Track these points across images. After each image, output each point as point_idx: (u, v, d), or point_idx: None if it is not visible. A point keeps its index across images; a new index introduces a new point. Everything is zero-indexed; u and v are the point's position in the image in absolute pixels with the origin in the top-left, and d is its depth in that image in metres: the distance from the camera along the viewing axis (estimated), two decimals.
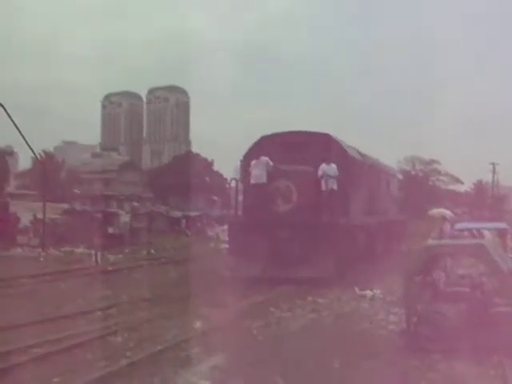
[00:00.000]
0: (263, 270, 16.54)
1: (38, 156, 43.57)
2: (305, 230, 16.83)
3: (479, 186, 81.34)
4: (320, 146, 18.35)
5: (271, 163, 18.00)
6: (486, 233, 16.31)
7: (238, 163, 19.06)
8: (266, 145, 18.76)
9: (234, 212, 19.53)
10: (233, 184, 19.52)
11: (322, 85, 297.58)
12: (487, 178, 75.08)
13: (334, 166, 17.82)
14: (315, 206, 17.40)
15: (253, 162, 18.14)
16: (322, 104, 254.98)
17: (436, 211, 23.02)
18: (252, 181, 18.03)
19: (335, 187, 17.70)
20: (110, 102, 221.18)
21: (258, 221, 17.56)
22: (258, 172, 17.88)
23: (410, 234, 29.22)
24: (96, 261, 23.19)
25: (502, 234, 15.74)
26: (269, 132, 19.64)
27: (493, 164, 71.07)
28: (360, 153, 21.74)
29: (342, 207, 17.86)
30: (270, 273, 16.42)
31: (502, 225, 17.37)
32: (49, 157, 66.64)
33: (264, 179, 17.80)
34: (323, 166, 17.77)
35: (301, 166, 17.86)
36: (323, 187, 17.66)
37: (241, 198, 19.37)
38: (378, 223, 22.33)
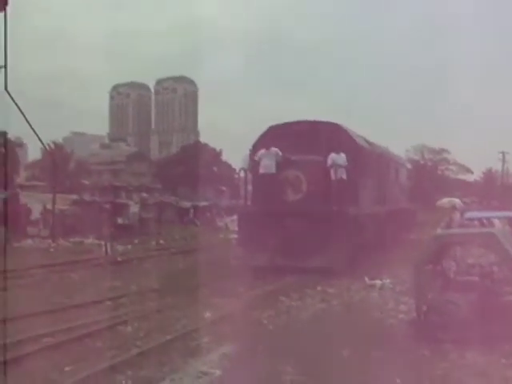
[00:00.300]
0: (273, 259, 16.58)
1: (48, 147, 43.61)
2: (314, 220, 16.80)
3: (489, 175, 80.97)
4: (329, 135, 18.24)
5: (280, 153, 17.97)
6: (496, 222, 16.24)
7: (247, 153, 18.96)
8: (274, 135, 18.66)
9: (244, 202, 19.45)
10: (242, 174, 19.37)
11: (333, 73, 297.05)
12: (497, 166, 74.70)
13: (343, 155, 17.69)
14: (324, 195, 17.30)
15: (262, 152, 18.12)
16: (333, 93, 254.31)
17: (445, 200, 22.92)
18: (261, 171, 18.03)
19: (344, 177, 17.62)
20: (118, 92, 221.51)
21: (268, 211, 17.54)
22: (267, 162, 17.89)
23: (420, 223, 29.20)
24: (106, 251, 23.29)
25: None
26: (279, 121, 19.53)
27: (502, 153, 70.67)
28: (368, 142, 21.62)
29: (351, 196, 17.80)
30: (279, 263, 16.44)
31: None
32: (58, 148, 66.81)
33: (273, 169, 17.83)
34: (332, 156, 17.67)
35: (310, 155, 17.79)
36: (332, 177, 17.55)
37: (250, 188, 19.30)
38: (387, 212, 22.20)
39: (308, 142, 18.02)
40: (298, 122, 19.29)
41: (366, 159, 19.72)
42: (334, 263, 16.08)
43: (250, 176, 19.14)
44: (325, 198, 17.30)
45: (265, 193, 18.07)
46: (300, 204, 17.36)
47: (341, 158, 17.76)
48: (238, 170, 21.54)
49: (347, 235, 16.92)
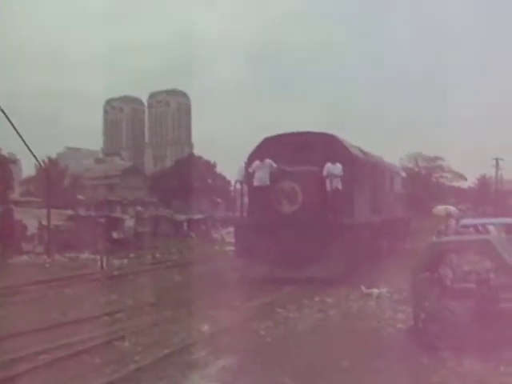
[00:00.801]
0: (270, 270, 16.69)
1: (42, 163, 43.56)
2: (310, 230, 16.86)
3: (483, 182, 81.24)
4: (324, 146, 18.42)
5: (274, 165, 18.01)
6: (491, 228, 16.27)
7: (242, 165, 19.02)
8: (269, 146, 18.81)
9: (240, 214, 19.50)
10: (238, 186, 19.53)
11: (328, 84, 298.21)
12: (491, 173, 74.95)
13: (339, 165, 17.78)
14: (320, 206, 17.44)
15: (256, 164, 18.16)
16: (328, 103, 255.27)
17: (441, 208, 22.97)
18: (255, 183, 18.12)
19: (340, 187, 17.70)
20: (111, 106, 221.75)
21: (264, 222, 17.66)
22: (262, 174, 17.97)
23: (415, 232, 29.21)
24: (101, 266, 23.20)
25: (507, 229, 15.70)
26: (273, 133, 19.63)
27: (496, 159, 70.93)
28: (363, 151, 21.76)
29: (347, 207, 17.93)
30: (276, 273, 16.52)
31: (508, 220, 17.35)
32: (52, 163, 66.73)
33: (267, 181, 17.89)
34: (328, 166, 17.76)
35: (305, 166, 17.88)
36: (328, 187, 17.64)
37: (246, 199, 19.41)
38: (383, 221, 22.33)
39: (303, 153, 18.16)
40: (293, 134, 19.46)
41: (361, 169, 19.79)
42: (331, 273, 16.16)
43: (245, 188, 19.19)
44: (321, 208, 17.40)
45: (261, 204, 18.12)
46: (296, 215, 17.36)
47: (336, 168, 17.79)
48: (233, 182, 21.49)
49: (344, 245, 17.00)
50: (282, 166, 18.08)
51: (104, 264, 23.54)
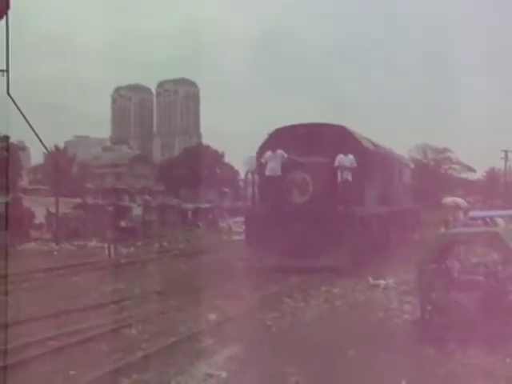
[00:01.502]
0: (280, 260, 16.77)
1: (50, 151, 43.68)
2: (321, 221, 16.93)
3: (491, 174, 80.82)
4: (335, 137, 18.52)
5: (286, 155, 18.19)
6: (500, 220, 16.24)
7: (251, 155, 19.16)
8: (280, 137, 18.97)
9: (251, 204, 19.53)
10: (249, 176, 19.52)
11: (335, 74, 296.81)
12: (500, 165, 74.52)
13: (351, 156, 18.00)
14: (331, 196, 17.56)
15: (268, 155, 18.32)
16: (335, 94, 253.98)
17: (449, 200, 22.92)
18: (267, 173, 18.23)
19: (350, 178, 17.86)
20: (120, 95, 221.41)
21: (275, 212, 17.76)
22: (273, 164, 18.10)
23: (423, 223, 29.18)
24: (109, 254, 23.30)
25: None
26: (281, 123, 19.78)
27: (505, 151, 70.50)
28: (373, 143, 21.84)
29: (357, 198, 18.03)
30: (286, 263, 16.59)
31: None
32: (60, 151, 66.91)
33: (279, 172, 18.04)
34: (340, 157, 17.96)
35: (316, 157, 18.04)
36: (339, 178, 17.81)
37: (257, 189, 19.48)
38: (392, 213, 22.37)
39: (314, 144, 18.27)
40: (304, 125, 19.53)
41: (372, 161, 19.83)
42: (340, 263, 16.24)
43: (256, 178, 19.31)
44: (331, 199, 17.54)
45: (272, 194, 18.32)
46: (306, 205, 17.54)
47: (348, 159, 18.03)
48: (244, 172, 21.71)
49: (353, 235, 17.17)
50: (293, 156, 18.21)
51: (112, 252, 23.65)
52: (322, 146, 18.15)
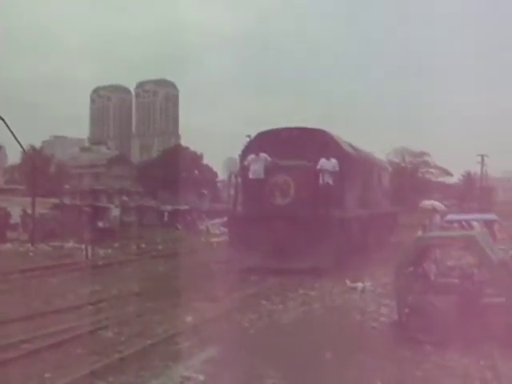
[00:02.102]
0: (262, 260, 16.97)
1: (27, 150, 43.24)
2: (302, 223, 17.27)
3: (468, 178, 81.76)
4: (316, 141, 18.90)
5: (269, 159, 18.41)
6: (476, 224, 16.40)
7: (230, 157, 19.37)
8: (263, 140, 19.38)
9: (234, 206, 19.74)
10: (232, 178, 19.86)
11: (316, 77, 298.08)
12: (476, 169, 75.46)
13: (333, 160, 18.27)
14: (312, 199, 17.79)
15: (251, 158, 18.55)
16: (315, 96, 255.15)
17: (428, 203, 23.20)
18: (250, 176, 18.49)
19: (332, 182, 18.17)
20: (98, 95, 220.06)
21: (258, 214, 18.13)
22: (256, 167, 18.35)
23: (401, 226, 29.39)
24: (86, 255, 23.09)
25: (489, 225, 15.83)
26: (261, 125, 20.08)
27: (481, 156, 71.41)
28: (354, 147, 22.15)
29: (337, 201, 18.34)
30: (268, 264, 16.81)
31: (490, 216, 17.48)
32: (37, 151, 66.25)
33: (262, 175, 18.29)
34: (322, 161, 18.23)
35: (298, 161, 18.37)
36: (320, 181, 18.12)
37: (240, 191, 19.63)
38: (371, 215, 22.72)
39: (296, 147, 18.54)
40: (287, 129, 19.95)
41: (352, 165, 20.11)
42: (320, 264, 16.54)
43: (239, 180, 19.51)
44: (312, 202, 17.75)
45: (254, 196, 18.58)
46: (289, 208, 17.85)
47: (330, 163, 18.27)
48: (223, 174, 22.11)
49: (334, 238, 17.45)
50: (275, 160, 18.46)
51: (89, 253, 23.44)
52: (303, 150, 18.46)
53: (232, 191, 19.89)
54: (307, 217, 17.38)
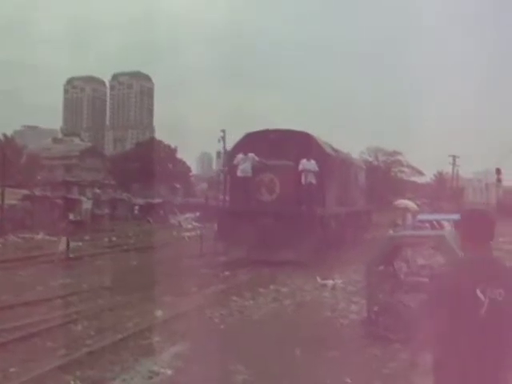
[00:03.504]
0: (248, 252, 18.43)
1: None
2: (286, 219, 18.50)
3: (439, 178, 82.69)
4: (300, 143, 20.14)
5: (257, 158, 19.59)
6: (446, 224, 16.60)
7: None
8: (250, 141, 20.48)
9: (222, 201, 21.36)
10: (221, 176, 21.58)
11: (296, 71, 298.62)
12: (447, 169, 76.32)
13: (313, 161, 19.47)
14: (295, 196, 19.28)
15: (240, 157, 19.65)
16: (292, 92, 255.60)
17: (399, 202, 23.56)
18: (239, 174, 19.60)
19: (313, 180, 19.41)
20: (72, 86, 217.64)
21: (245, 209, 19.35)
22: (245, 166, 19.48)
23: (374, 224, 29.72)
24: (67, 248, 22.70)
25: (457, 225, 16.02)
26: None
27: (453, 156, 72.25)
28: (333, 148, 23.42)
29: (318, 199, 19.66)
30: (254, 255, 18.15)
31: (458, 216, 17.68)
32: (8, 141, 65.22)
33: (249, 173, 19.46)
34: (304, 162, 19.45)
35: (283, 160, 19.77)
36: (303, 180, 19.39)
37: (228, 188, 21.20)
38: (348, 213, 23.87)
39: (281, 148, 19.87)
40: (273, 131, 21.27)
41: (332, 165, 21.52)
42: (302, 257, 17.55)
43: (227, 177, 21.25)
44: (296, 199, 19.29)
45: (242, 193, 19.86)
46: (274, 204, 19.25)
47: (311, 164, 19.53)
48: (217, 172, 23.79)
49: (314, 233, 18.65)
50: (262, 159, 19.72)
51: (64, 246, 23.11)
52: (288, 151, 19.76)
53: (222, 188, 21.19)
54: (290, 213, 18.59)
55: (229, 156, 21.29)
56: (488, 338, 3.17)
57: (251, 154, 19.44)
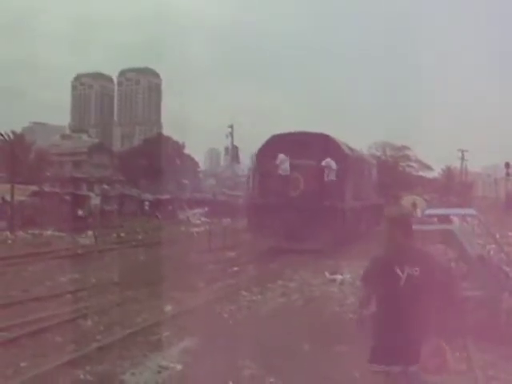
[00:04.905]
0: (276, 242, 20.45)
1: (6, 137, 42.72)
2: (310, 212, 20.63)
3: (448, 173, 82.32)
4: (320, 144, 22.54)
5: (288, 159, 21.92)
6: (455, 218, 16.53)
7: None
8: (277, 142, 22.90)
9: (252, 197, 23.94)
10: (251, 174, 24.30)
11: (300, 68, 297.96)
12: (456, 164, 75.99)
13: (333, 160, 21.87)
14: (318, 192, 21.49)
15: (282, 157, 21.93)
16: (299, 88, 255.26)
17: (408, 199, 23.94)
18: (281, 172, 21.89)
19: (333, 178, 21.81)
20: (80, 83, 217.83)
21: (272, 204, 21.44)
22: (285, 166, 21.89)
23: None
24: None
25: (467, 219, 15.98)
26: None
27: (462, 151, 71.96)
28: (351, 148, 25.94)
29: (338, 194, 21.89)
30: (281, 245, 20.15)
31: (469, 211, 17.61)
32: (17, 138, 65.41)
33: (288, 171, 21.89)
34: (327, 161, 21.88)
35: (306, 160, 21.98)
36: (325, 178, 21.75)
37: (257, 184, 23.45)
38: (363, 207, 25.92)
39: (304, 149, 22.05)
40: (296, 133, 23.83)
41: (349, 163, 23.61)
42: (323, 245, 19.48)
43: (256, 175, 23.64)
44: (318, 194, 21.40)
45: (271, 189, 22.10)
46: (299, 199, 21.36)
47: (331, 162, 21.90)
48: (248, 171, 27.75)
49: (335, 224, 20.81)
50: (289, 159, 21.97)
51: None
52: (310, 151, 22.04)
53: (251, 185, 24.05)
54: (313, 207, 20.76)
55: (257, 155, 23.94)
56: (407, 302, 4.48)
57: (285, 157, 21.80)
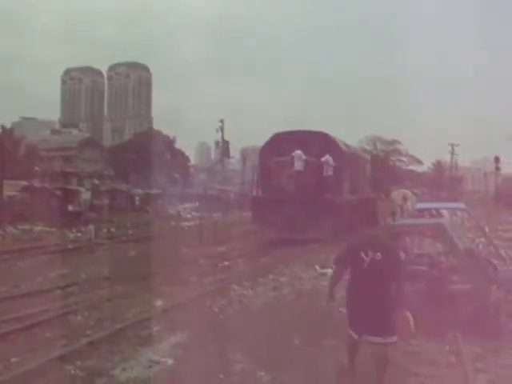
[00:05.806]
0: (278, 233, 22.08)
1: None
2: (310, 205, 21.91)
3: (438, 167, 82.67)
4: (320, 141, 24.08)
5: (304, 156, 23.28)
6: (445, 212, 16.60)
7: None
8: (278, 140, 24.50)
9: (256, 191, 24.83)
10: (254, 170, 25.12)
11: (291, 63, 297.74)
12: (446, 158, 76.34)
13: (331, 157, 23.31)
14: (318, 186, 22.94)
15: (298, 154, 23.14)
16: (290, 82, 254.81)
17: (397, 191, 24.12)
18: (296, 167, 23.19)
19: (332, 173, 23.31)
20: (70, 77, 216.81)
21: (275, 197, 22.82)
22: (299, 162, 23.19)
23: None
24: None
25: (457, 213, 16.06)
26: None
27: (452, 145, 72.29)
28: (347, 145, 27.44)
29: (336, 188, 23.40)
30: (283, 235, 21.69)
31: (459, 205, 17.70)
32: (6, 132, 64.99)
33: (302, 167, 23.26)
34: (326, 157, 23.27)
35: (306, 157, 23.23)
36: (324, 173, 23.23)
37: (261, 180, 24.52)
38: (358, 200, 26.34)
39: (304, 146, 23.34)
40: (297, 131, 25.21)
41: (346, 159, 25.07)
42: (323, 235, 20.42)
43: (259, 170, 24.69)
44: (318, 188, 22.82)
45: (273, 183, 23.60)
46: (300, 193, 22.62)
47: (329, 159, 23.30)
48: (252, 167, 28.04)
49: (333, 216, 22.00)
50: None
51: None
52: (310, 148, 23.35)
53: (254, 180, 24.82)
54: (314, 200, 22.09)
55: (260, 153, 25.70)
56: (371, 282, 5.95)
57: (298, 152, 23.05)
